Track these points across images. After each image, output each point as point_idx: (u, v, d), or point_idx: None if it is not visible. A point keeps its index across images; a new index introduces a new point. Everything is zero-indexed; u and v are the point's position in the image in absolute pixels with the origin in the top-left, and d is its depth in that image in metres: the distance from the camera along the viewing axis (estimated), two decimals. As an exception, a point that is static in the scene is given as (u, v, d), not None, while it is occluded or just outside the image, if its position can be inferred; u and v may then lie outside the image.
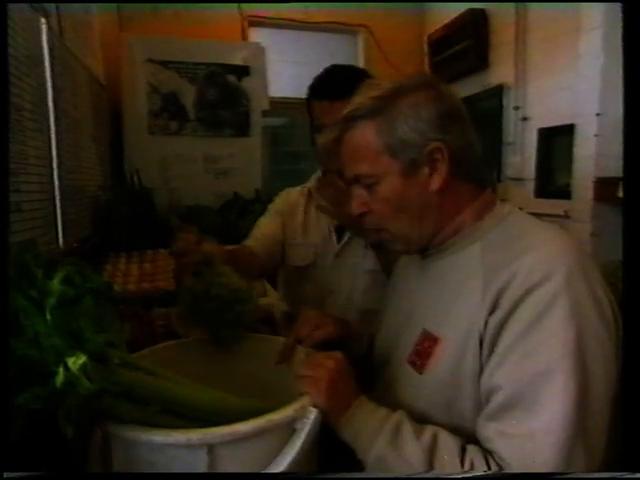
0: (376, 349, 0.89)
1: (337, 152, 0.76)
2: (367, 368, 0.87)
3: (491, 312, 0.62)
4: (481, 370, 0.63)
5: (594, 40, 2.09)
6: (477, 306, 0.64)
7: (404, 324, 0.78)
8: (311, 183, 1.33)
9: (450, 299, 0.70)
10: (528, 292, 0.60)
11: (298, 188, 1.35)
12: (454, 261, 0.72)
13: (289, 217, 1.31)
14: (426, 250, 0.77)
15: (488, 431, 0.60)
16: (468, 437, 0.63)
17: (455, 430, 0.64)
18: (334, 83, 1.13)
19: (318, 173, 1.32)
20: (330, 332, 0.86)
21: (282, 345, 0.85)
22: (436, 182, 0.69)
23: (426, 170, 0.69)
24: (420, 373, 0.70)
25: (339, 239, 1.22)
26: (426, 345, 0.70)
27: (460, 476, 0.58)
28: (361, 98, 0.72)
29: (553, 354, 0.57)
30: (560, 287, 0.59)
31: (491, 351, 0.62)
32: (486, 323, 0.62)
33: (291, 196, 1.34)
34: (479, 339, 0.63)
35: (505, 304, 0.61)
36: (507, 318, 0.61)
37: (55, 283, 0.53)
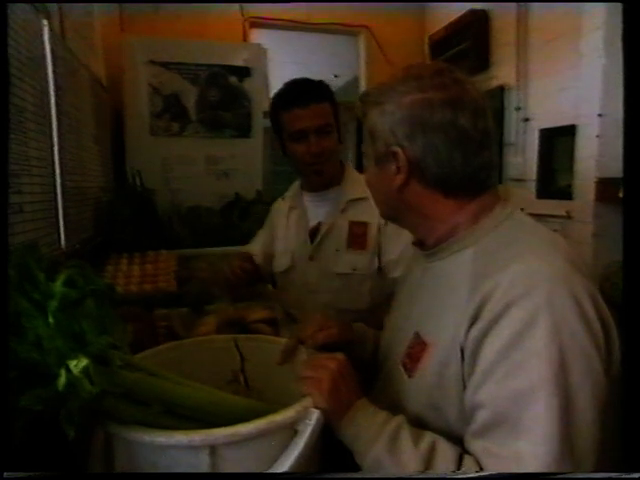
0: (380, 347, 0.89)
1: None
2: (372, 370, 0.87)
3: (472, 324, 0.61)
4: (463, 380, 0.62)
5: (596, 40, 2.08)
6: (461, 315, 0.63)
7: (402, 326, 0.79)
8: (289, 192, 1.44)
9: (440, 304, 0.70)
10: (508, 306, 0.59)
11: (280, 198, 1.48)
12: (447, 265, 0.72)
13: (276, 227, 1.43)
14: (422, 248, 0.78)
15: (474, 448, 0.60)
16: (455, 441, 0.63)
17: (443, 434, 0.64)
18: (301, 90, 1.21)
19: (296, 183, 1.41)
20: (333, 334, 0.86)
21: (284, 345, 0.85)
22: (397, 181, 0.72)
23: (393, 167, 0.72)
24: (409, 377, 0.71)
25: (312, 242, 1.28)
26: (417, 349, 0.70)
27: (460, 476, 0.58)
28: (372, 88, 0.78)
29: (535, 373, 0.56)
30: (542, 303, 0.57)
31: (472, 364, 0.61)
32: (467, 334, 0.62)
33: (279, 206, 1.46)
34: (460, 349, 0.63)
35: (485, 317, 0.60)
36: (487, 332, 0.60)
37: (57, 285, 0.54)
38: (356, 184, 1.26)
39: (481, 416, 0.59)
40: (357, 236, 1.20)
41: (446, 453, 0.61)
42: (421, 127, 0.69)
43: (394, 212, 0.79)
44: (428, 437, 0.63)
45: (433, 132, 0.69)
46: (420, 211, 0.74)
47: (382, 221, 1.19)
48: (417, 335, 0.71)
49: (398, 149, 0.70)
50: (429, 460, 0.60)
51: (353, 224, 1.24)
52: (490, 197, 0.73)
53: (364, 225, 1.22)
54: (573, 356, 0.56)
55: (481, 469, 0.58)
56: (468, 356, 0.62)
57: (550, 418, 0.54)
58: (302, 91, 1.21)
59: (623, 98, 0.67)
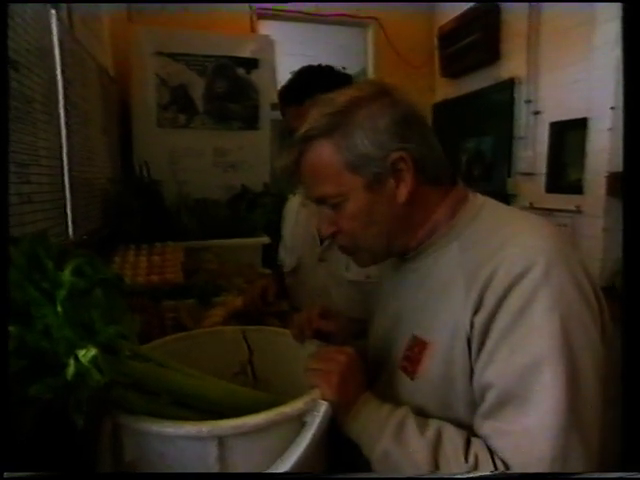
0: (369, 354, 0.86)
1: (298, 174, 0.74)
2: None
3: (475, 312, 0.62)
4: (472, 371, 0.63)
5: (609, 32, 2.05)
6: (461, 307, 0.63)
7: (393, 329, 0.77)
8: (301, 188, 1.35)
9: (434, 302, 0.69)
10: (510, 287, 0.59)
11: (292, 195, 1.42)
12: (434, 262, 0.72)
13: (285, 224, 1.39)
14: (404, 254, 0.76)
15: (485, 430, 0.60)
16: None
17: None
18: (298, 86, 1.13)
19: None
20: (329, 327, 0.86)
21: (294, 324, 0.86)
22: (403, 193, 0.68)
23: (392, 182, 0.68)
24: (412, 379, 0.70)
25: (322, 242, 1.21)
26: (416, 350, 0.70)
27: (463, 476, 0.58)
28: (315, 116, 0.69)
29: (540, 346, 0.57)
30: (540, 278, 0.58)
31: (479, 350, 0.61)
32: (472, 324, 0.62)
33: (290, 203, 1.41)
34: (466, 340, 0.63)
35: (489, 303, 0.61)
36: (492, 316, 0.60)
37: (66, 274, 0.53)
38: None
39: (490, 396, 0.60)
40: None
41: (453, 439, 0.61)
42: (407, 124, 0.68)
43: (394, 237, 0.72)
44: (434, 424, 0.63)
45: (417, 125, 0.69)
46: (418, 215, 0.71)
47: None
48: (414, 337, 0.70)
49: (401, 154, 0.67)
50: (436, 447, 0.60)
51: None
52: (460, 190, 0.74)
53: None
54: (573, 327, 0.58)
55: (490, 451, 0.59)
56: (475, 345, 0.62)
57: (557, 389, 0.55)
58: (301, 85, 1.13)
59: (623, 97, 0.66)
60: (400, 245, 0.74)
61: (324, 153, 0.68)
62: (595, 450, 0.58)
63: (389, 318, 0.79)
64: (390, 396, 0.73)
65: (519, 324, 0.58)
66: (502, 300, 0.60)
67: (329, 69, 1.17)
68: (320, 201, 0.72)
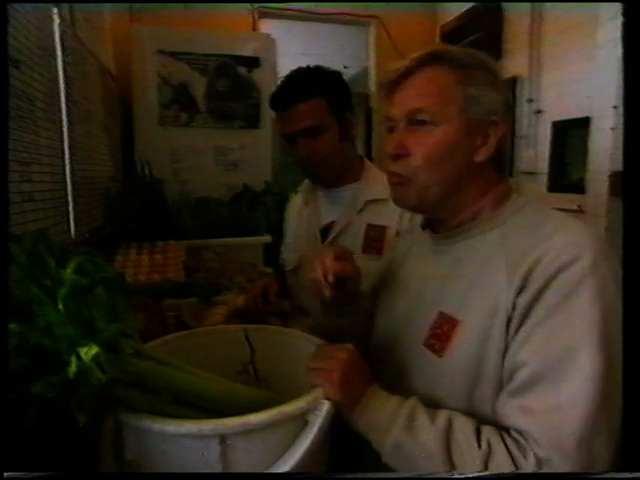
0: (380, 335, 0.87)
1: (398, 84, 0.74)
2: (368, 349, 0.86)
3: (519, 293, 0.63)
4: (506, 349, 0.64)
5: (611, 31, 2.04)
6: (502, 288, 0.65)
7: (415, 308, 0.78)
8: (303, 187, 1.37)
9: (469, 281, 0.70)
10: (557, 273, 0.61)
11: (294, 193, 1.43)
12: (472, 245, 0.73)
13: (287, 222, 1.40)
14: (438, 232, 0.78)
15: (510, 408, 0.61)
16: (488, 420, 0.63)
17: (474, 413, 0.65)
18: (286, 90, 1.14)
19: None
20: (348, 268, 0.80)
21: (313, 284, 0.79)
22: (484, 153, 0.72)
23: (479, 139, 0.72)
24: (440, 356, 0.70)
25: (323, 241, 1.21)
26: (445, 328, 0.70)
27: (472, 475, 0.58)
28: (447, 47, 0.75)
29: (580, 332, 0.59)
30: (588, 269, 0.60)
31: (518, 330, 0.63)
32: (514, 304, 0.63)
33: (293, 201, 1.41)
34: (506, 320, 0.64)
35: (534, 285, 0.62)
36: (536, 297, 0.62)
37: (68, 272, 0.53)
38: (377, 183, 1.15)
39: (521, 375, 0.61)
40: (373, 240, 1.11)
41: (463, 426, 0.61)
42: (507, 104, 0.75)
43: (447, 192, 0.74)
44: (444, 413, 0.64)
45: (510, 113, 0.76)
46: (474, 189, 0.74)
47: (402, 226, 1.11)
48: (442, 314, 0.71)
49: (499, 119, 0.72)
50: (448, 435, 0.61)
51: (370, 227, 1.14)
52: (507, 186, 0.77)
53: (382, 229, 1.12)
54: (611, 320, 0.59)
55: (501, 437, 0.59)
56: (514, 324, 0.63)
57: (592, 373, 0.57)
58: (287, 91, 1.13)
59: (623, 96, 0.66)
60: (446, 209, 0.76)
61: (446, 77, 0.72)
62: (616, 441, 0.58)
63: (412, 298, 0.80)
64: (412, 376, 0.74)
65: (562, 309, 0.60)
66: (548, 283, 0.61)
67: (316, 69, 1.15)
68: (411, 114, 0.72)
